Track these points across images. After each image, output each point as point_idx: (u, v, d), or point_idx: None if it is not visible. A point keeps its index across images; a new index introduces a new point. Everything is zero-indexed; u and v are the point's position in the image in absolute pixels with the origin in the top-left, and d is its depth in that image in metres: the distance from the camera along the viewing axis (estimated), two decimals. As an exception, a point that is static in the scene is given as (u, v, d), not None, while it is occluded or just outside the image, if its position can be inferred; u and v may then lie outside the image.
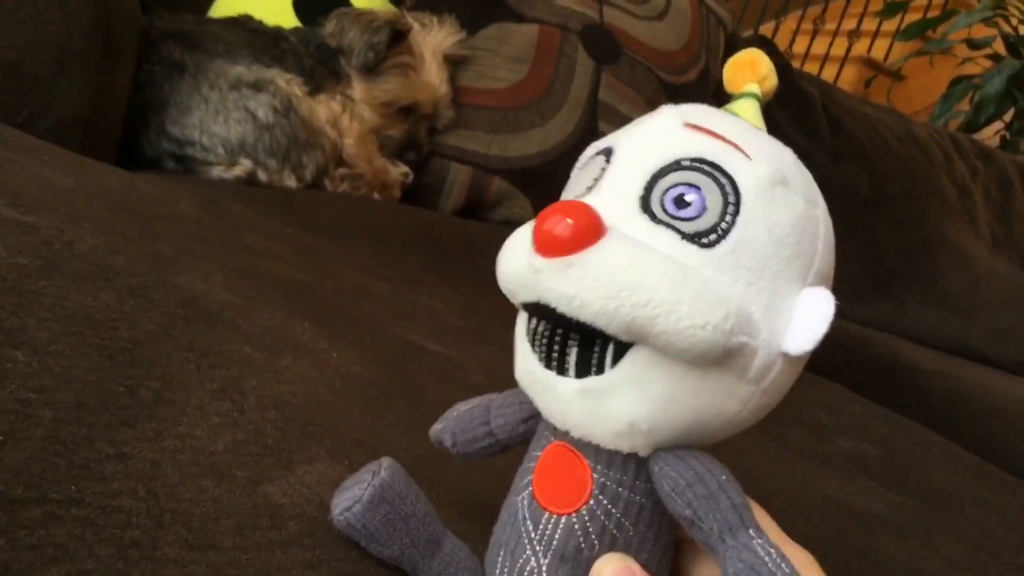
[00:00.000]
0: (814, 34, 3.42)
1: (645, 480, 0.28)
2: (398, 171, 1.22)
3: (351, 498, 0.30)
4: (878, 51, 3.58)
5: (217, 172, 1.00)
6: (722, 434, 0.28)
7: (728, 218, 0.26)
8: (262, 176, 1.02)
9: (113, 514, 0.26)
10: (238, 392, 0.39)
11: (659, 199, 0.27)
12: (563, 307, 0.26)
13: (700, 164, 0.27)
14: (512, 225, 1.18)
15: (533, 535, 0.29)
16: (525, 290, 0.27)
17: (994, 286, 1.61)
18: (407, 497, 0.31)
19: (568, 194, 0.31)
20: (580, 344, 0.27)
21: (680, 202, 0.27)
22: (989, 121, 2.85)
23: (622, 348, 0.26)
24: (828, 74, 3.26)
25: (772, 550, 0.25)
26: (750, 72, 0.34)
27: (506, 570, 0.29)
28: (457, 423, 0.34)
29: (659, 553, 0.29)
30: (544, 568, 0.28)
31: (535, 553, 0.28)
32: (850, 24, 3.46)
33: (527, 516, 0.29)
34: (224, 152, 1.00)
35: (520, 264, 0.27)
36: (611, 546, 0.28)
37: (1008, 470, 0.91)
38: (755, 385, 0.27)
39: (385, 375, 0.53)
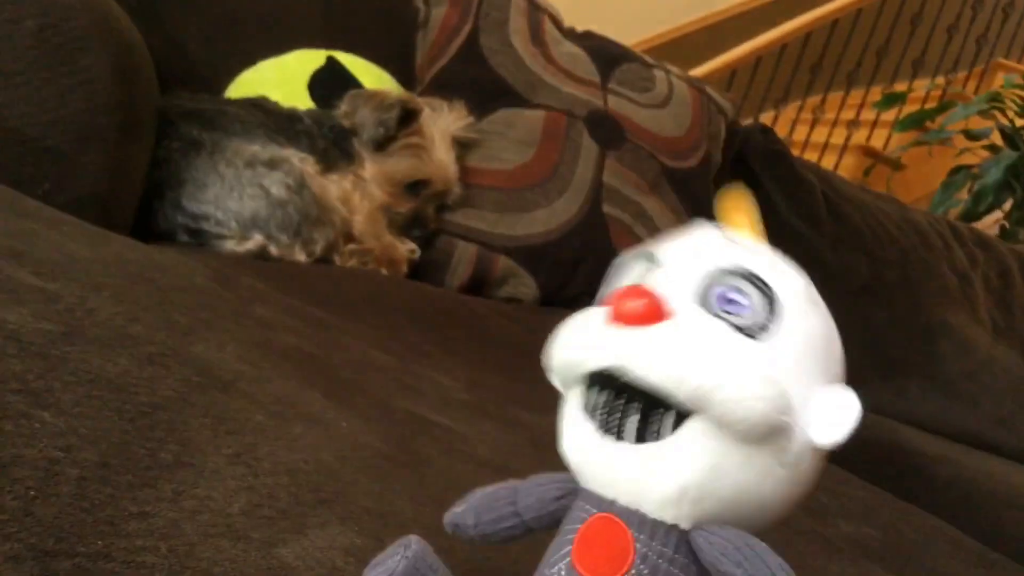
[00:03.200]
0: (813, 123, 3.50)
1: (684, 554, 0.30)
2: (406, 248, 1.24)
3: (386, 570, 0.31)
4: (877, 140, 3.66)
5: (230, 246, 1.02)
6: (756, 519, 0.31)
7: (771, 320, 0.30)
8: (273, 250, 1.04)
9: (138, 569, 0.27)
10: (253, 457, 0.40)
11: (712, 298, 0.31)
12: (637, 370, 0.29)
13: (746, 274, 0.31)
14: (517, 303, 1.18)
15: None
16: (597, 354, 0.30)
17: (996, 373, 1.62)
18: (438, 569, 0.31)
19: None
20: (641, 412, 0.30)
21: (730, 301, 0.31)
22: (988, 210, 2.89)
23: (680, 418, 0.29)
24: (827, 162, 3.32)
25: None
26: (736, 216, 0.37)
27: None
28: (481, 502, 0.35)
29: None
30: None
31: None
32: (849, 114, 3.54)
33: None
34: (237, 226, 1.02)
35: (594, 332, 0.31)
36: None
37: (1013, 558, 0.90)
38: (790, 470, 0.30)
39: (392, 446, 0.53)
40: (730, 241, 0.33)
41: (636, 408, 0.30)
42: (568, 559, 0.30)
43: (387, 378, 0.70)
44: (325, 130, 1.20)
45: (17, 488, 0.27)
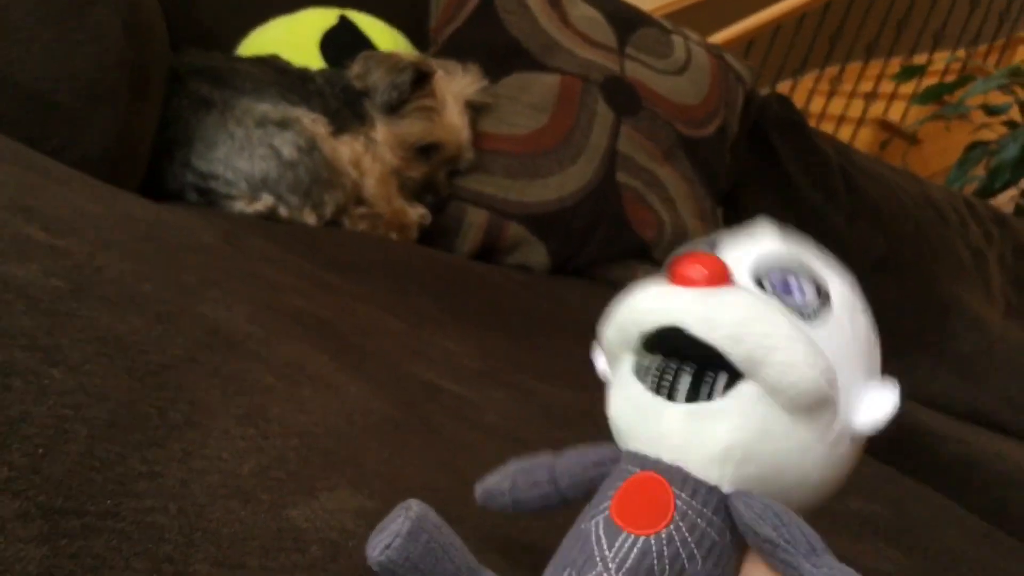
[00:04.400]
0: (830, 94, 3.46)
1: (722, 517, 0.30)
2: (416, 212, 1.23)
3: (391, 533, 0.30)
4: (894, 113, 3.62)
5: (239, 206, 1.01)
6: (793, 494, 0.31)
7: (823, 307, 0.32)
8: (283, 212, 1.04)
9: (148, 529, 0.27)
10: (262, 419, 0.39)
11: (768, 280, 0.32)
12: (697, 328, 0.30)
13: (802, 266, 0.33)
14: (527, 271, 1.18)
15: (607, 552, 0.30)
16: (656, 315, 0.31)
17: (1008, 352, 1.61)
18: (443, 527, 0.31)
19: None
20: (694, 374, 0.31)
21: (785, 286, 0.32)
22: (1004, 187, 2.86)
23: (732, 380, 0.30)
24: (844, 135, 3.29)
25: (850, 568, 0.27)
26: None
27: None
28: (519, 468, 0.36)
29: None
30: None
31: (607, 569, 0.29)
32: (867, 86, 3.50)
33: (602, 535, 0.30)
34: (247, 187, 1.02)
35: (655, 293, 0.32)
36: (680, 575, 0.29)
37: (1020, 538, 0.90)
38: (829, 449, 0.31)
39: (401, 411, 0.53)
40: (787, 240, 0.35)
41: (689, 370, 0.31)
42: (607, 512, 0.31)
43: (396, 343, 0.70)
44: (337, 90, 1.18)
45: (26, 445, 0.27)
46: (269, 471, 0.35)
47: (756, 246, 0.34)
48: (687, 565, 0.29)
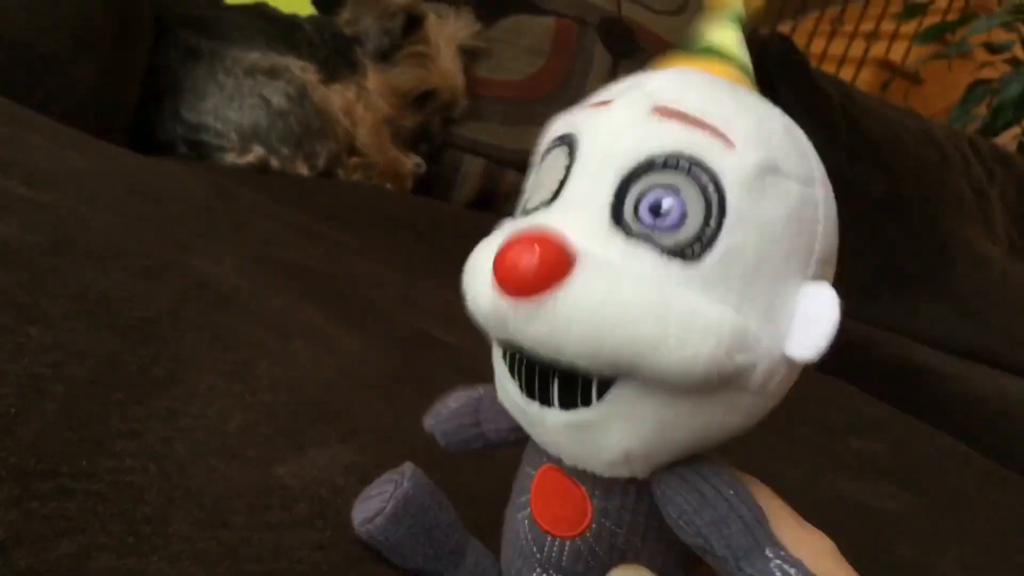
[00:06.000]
0: (832, 35, 3.40)
1: (648, 500, 0.26)
2: (411, 162, 1.21)
3: (373, 509, 0.30)
4: (896, 54, 3.56)
5: (230, 158, 1.00)
6: (723, 441, 0.26)
7: (712, 224, 0.23)
8: (275, 163, 1.02)
9: (125, 490, 0.26)
10: (250, 374, 0.38)
11: (632, 208, 0.24)
12: (539, 352, 0.24)
13: (676, 161, 0.24)
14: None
15: (539, 555, 0.27)
16: (496, 330, 0.25)
17: (1010, 290, 1.60)
18: (430, 509, 0.30)
19: (533, 196, 0.27)
20: (562, 377, 0.24)
21: (657, 210, 0.24)
22: (1007, 126, 2.82)
23: (608, 379, 0.24)
24: (845, 75, 3.24)
25: (792, 570, 0.23)
26: None
27: None
28: (448, 425, 0.32)
29: (673, 559, 0.27)
30: None
31: (545, 570, 0.28)
32: (868, 26, 3.44)
33: (530, 538, 0.28)
34: (237, 138, 1.00)
35: (487, 304, 0.24)
36: (622, 560, 0.27)
37: (1022, 474, 0.90)
38: (758, 395, 0.25)
39: (395, 363, 0.52)
40: (660, 110, 0.25)
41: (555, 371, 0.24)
42: (528, 510, 0.28)
43: (391, 294, 0.69)
44: (327, 38, 1.16)
45: (-3, 406, 0.26)
46: (257, 427, 0.34)
47: (619, 142, 0.25)
48: (627, 551, 0.27)
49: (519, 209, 0.28)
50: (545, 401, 0.25)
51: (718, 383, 0.23)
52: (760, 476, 0.28)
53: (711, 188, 0.23)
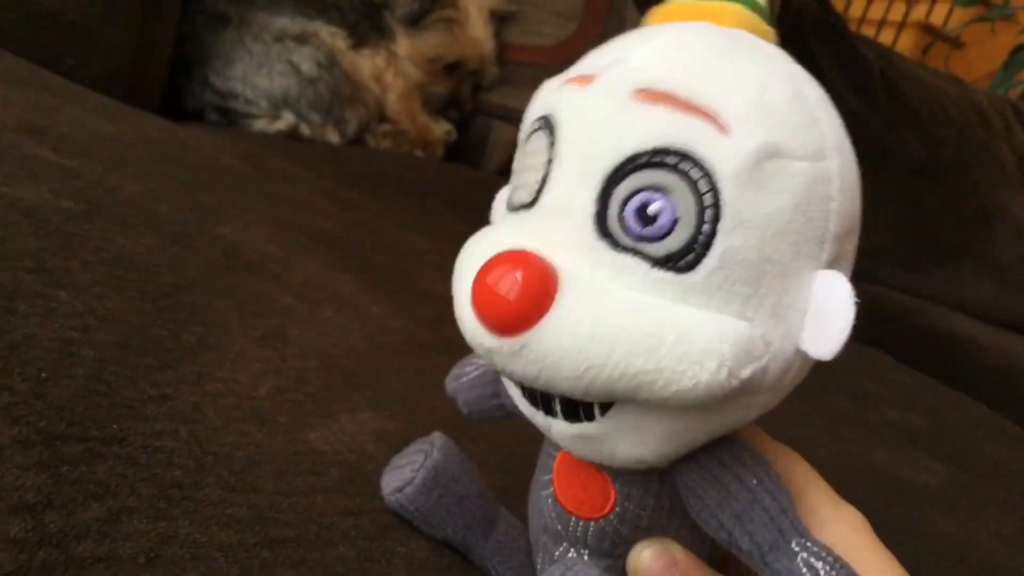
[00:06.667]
0: (870, -2, 3.32)
1: (671, 484, 0.25)
2: (441, 129, 1.20)
3: (403, 479, 0.30)
4: (937, 17, 3.47)
5: (260, 125, 1.00)
6: (744, 426, 0.25)
7: (706, 227, 0.21)
8: (305, 130, 1.02)
9: (155, 454, 0.26)
10: (280, 340, 0.38)
11: (617, 214, 0.22)
12: (533, 383, 0.22)
13: (663, 157, 0.21)
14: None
15: (564, 533, 0.27)
16: (483, 358, 0.23)
17: (1051, 260, 1.56)
18: (460, 479, 0.30)
19: (518, 186, 0.25)
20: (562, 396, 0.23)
21: (644, 216, 0.21)
22: (1051, 92, 2.75)
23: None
24: (884, 39, 3.16)
25: (818, 563, 0.22)
26: None
27: (549, 558, 0.28)
28: (470, 394, 0.31)
29: (700, 537, 0.26)
30: (586, 557, 0.27)
31: (574, 546, 0.27)
32: (908, -12, 3.35)
33: (554, 516, 0.27)
34: (267, 105, 1.00)
35: (469, 328, 0.23)
36: (648, 536, 0.26)
37: (1061, 447, 0.89)
38: (772, 392, 0.23)
39: (424, 330, 0.52)
40: (643, 92, 0.22)
41: None
42: (552, 490, 0.27)
43: (420, 262, 0.69)
44: (356, 3, 1.15)
45: (28, 370, 0.26)
46: (287, 393, 0.34)
47: (601, 139, 0.22)
48: (653, 531, 0.26)
49: (509, 191, 0.26)
50: (550, 412, 0.24)
51: (725, 400, 0.22)
52: (791, 445, 0.27)
53: (703, 184, 0.21)
